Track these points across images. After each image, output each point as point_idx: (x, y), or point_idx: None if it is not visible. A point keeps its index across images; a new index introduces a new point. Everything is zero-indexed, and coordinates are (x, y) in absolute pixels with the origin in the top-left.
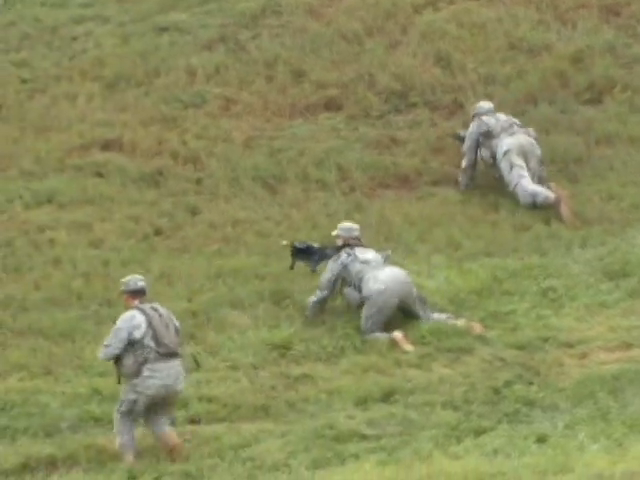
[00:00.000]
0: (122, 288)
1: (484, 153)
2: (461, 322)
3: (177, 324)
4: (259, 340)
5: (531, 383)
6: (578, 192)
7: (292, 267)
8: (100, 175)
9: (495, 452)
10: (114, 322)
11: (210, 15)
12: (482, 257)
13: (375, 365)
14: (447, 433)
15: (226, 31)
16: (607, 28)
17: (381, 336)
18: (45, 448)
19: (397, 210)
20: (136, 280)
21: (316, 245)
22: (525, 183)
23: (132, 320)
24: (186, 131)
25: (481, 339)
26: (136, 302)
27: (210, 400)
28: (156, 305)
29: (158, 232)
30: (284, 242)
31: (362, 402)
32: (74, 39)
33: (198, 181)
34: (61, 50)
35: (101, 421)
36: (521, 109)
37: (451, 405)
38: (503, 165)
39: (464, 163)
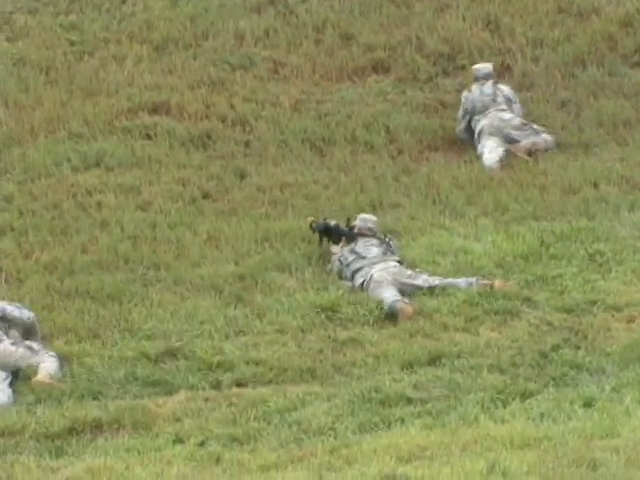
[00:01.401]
0: None
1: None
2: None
3: None
4: (306, 303)
5: (578, 347)
6: (627, 156)
7: (320, 244)
8: (148, 138)
9: (541, 416)
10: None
11: None
12: (529, 220)
13: (422, 329)
14: (493, 397)
15: None
16: None
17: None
18: (91, 411)
19: (445, 173)
20: None
21: (333, 223)
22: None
23: None
24: (234, 94)
25: (529, 302)
26: None
27: (257, 363)
28: None
29: (206, 195)
30: (310, 218)
31: (409, 366)
32: (123, 2)
33: (246, 144)
34: (110, 13)
35: (147, 384)
36: (569, 72)
37: (498, 368)
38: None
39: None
